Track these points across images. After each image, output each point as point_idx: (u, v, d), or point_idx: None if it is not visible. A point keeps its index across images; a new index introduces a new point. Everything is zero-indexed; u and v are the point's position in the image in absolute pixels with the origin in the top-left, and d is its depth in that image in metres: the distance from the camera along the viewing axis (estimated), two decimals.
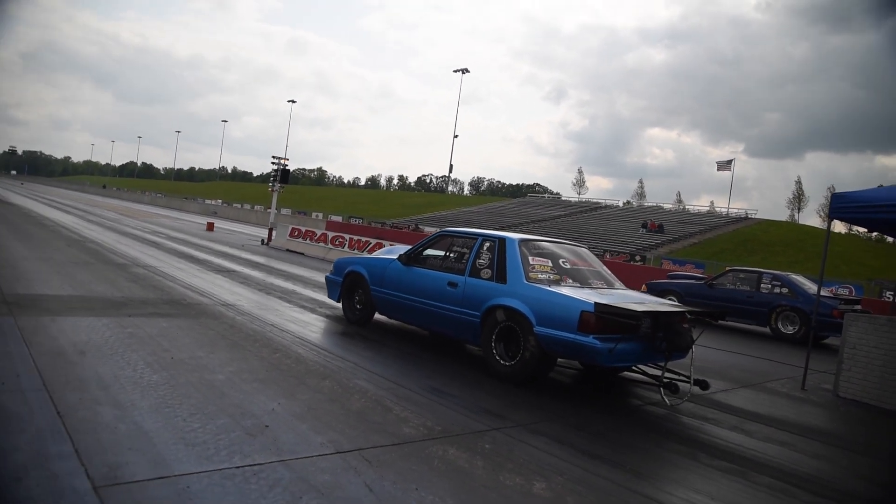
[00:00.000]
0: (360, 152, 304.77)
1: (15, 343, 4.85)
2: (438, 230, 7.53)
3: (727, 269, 14.28)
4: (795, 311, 12.05)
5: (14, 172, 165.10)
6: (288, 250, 19.96)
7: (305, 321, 7.58)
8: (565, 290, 5.64)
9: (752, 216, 60.77)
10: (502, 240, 6.24)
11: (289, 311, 8.15)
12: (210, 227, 27.37)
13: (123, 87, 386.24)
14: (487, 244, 6.31)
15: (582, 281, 6.13)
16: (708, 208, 75.87)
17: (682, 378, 5.70)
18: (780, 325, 12.23)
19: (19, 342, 4.89)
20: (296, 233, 21.20)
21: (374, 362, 5.84)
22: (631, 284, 12.66)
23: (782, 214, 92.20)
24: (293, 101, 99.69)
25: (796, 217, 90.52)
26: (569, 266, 6.28)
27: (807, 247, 43.96)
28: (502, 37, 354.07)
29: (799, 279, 12.90)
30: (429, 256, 6.99)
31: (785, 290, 12.42)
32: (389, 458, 3.48)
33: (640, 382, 6.14)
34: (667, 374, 5.63)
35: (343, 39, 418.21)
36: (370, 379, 5.16)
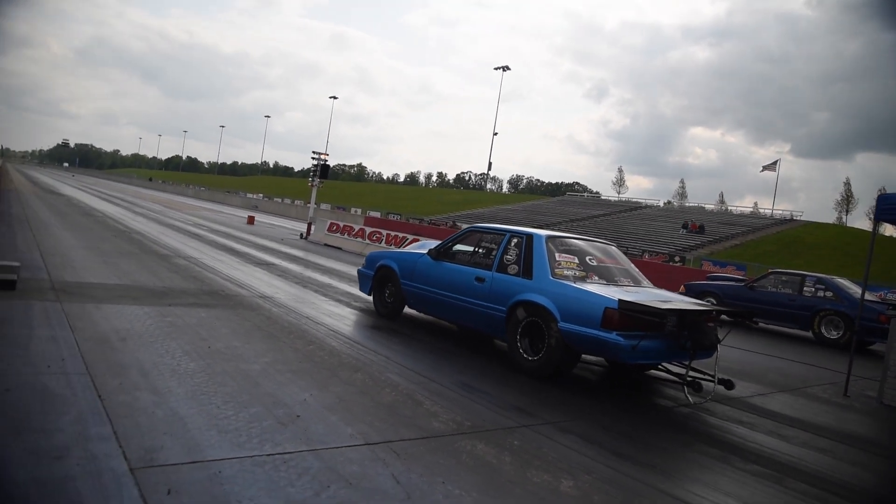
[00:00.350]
0: (400, 148, 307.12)
1: (61, 328, 5.03)
2: (468, 226, 7.59)
3: (769, 271, 13.93)
4: (840, 316, 11.73)
5: (66, 165, 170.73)
6: (326, 245, 20.18)
7: (340, 314, 7.67)
8: (590, 287, 5.66)
9: (798, 218, 59.23)
10: (529, 236, 6.30)
11: (324, 304, 8.25)
12: (251, 220, 27.82)
13: (170, 82, 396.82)
14: (515, 240, 6.38)
15: (609, 278, 6.14)
16: (751, 209, 74.15)
17: (706, 377, 5.67)
18: (823, 330, 11.91)
19: (65, 327, 5.07)
20: (334, 228, 21.41)
21: (406, 356, 5.89)
22: (669, 286, 12.52)
23: (829, 217, 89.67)
24: (335, 98, 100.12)
25: (844, 219, 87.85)
26: (595, 263, 6.29)
27: (854, 250, 42.66)
28: (543, 33, 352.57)
29: (844, 283, 12.53)
30: (458, 252, 7.08)
31: (829, 294, 12.08)
32: (418, 452, 3.51)
33: (665, 381, 6.11)
34: (691, 373, 5.61)
35: (385, 35, 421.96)
36: (401, 373, 5.20)
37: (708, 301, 13.42)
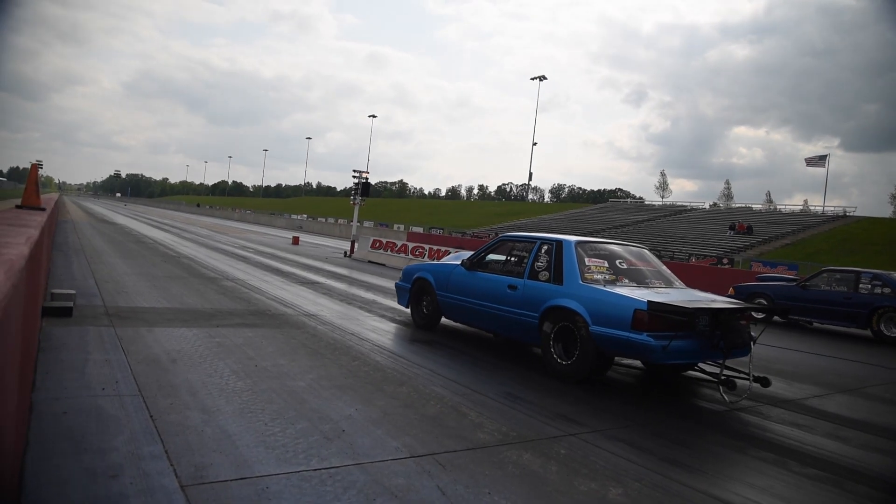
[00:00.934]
0: (440, 163, 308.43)
1: (114, 351, 5.19)
2: (499, 235, 7.71)
3: (822, 269, 13.50)
4: None
5: (119, 195, 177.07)
6: (370, 261, 20.37)
7: (384, 330, 7.72)
8: (620, 290, 5.73)
9: (851, 214, 57.27)
10: (559, 242, 6.40)
11: (369, 320, 8.32)
12: (295, 241, 28.28)
13: (214, 109, 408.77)
14: (545, 247, 6.48)
15: (639, 281, 6.20)
16: (801, 207, 71.94)
17: (741, 375, 5.65)
18: (882, 328, 11.46)
19: (118, 350, 5.23)
20: (377, 244, 21.61)
21: (450, 369, 5.89)
22: (718, 289, 12.23)
23: (885, 211, 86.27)
24: (374, 116, 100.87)
25: None
26: (626, 266, 6.37)
27: None
28: (579, 41, 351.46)
29: None
30: (490, 261, 7.24)
31: (887, 290, 11.64)
32: (463, 463, 3.50)
33: (701, 381, 6.14)
34: (725, 372, 5.60)
35: (420, 52, 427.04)
36: (446, 385, 5.21)
37: (758, 303, 13.09)
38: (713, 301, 5.97)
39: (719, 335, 5.38)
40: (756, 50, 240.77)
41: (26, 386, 3.13)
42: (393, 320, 8.47)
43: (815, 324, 13.07)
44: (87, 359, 4.88)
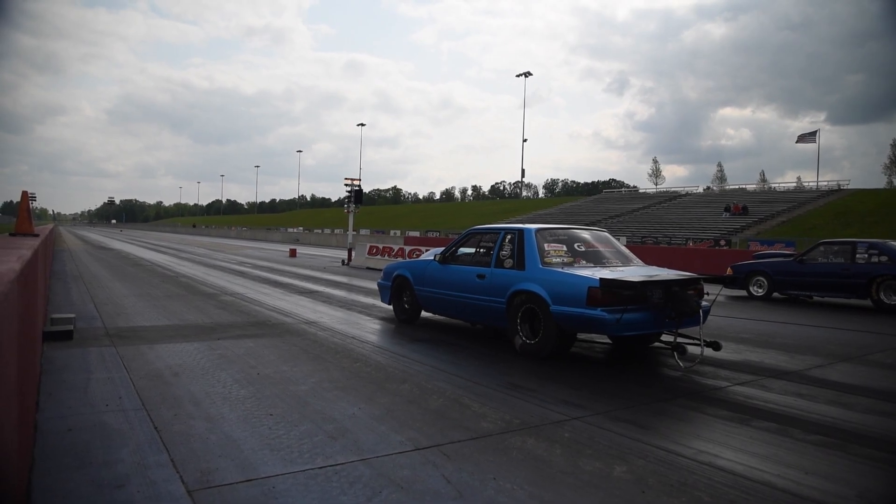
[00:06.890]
0: (431, 167, 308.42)
1: (117, 370, 5.21)
2: (468, 229, 7.98)
3: (818, 242, 13.49)
4: None
5: (114, 221, 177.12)
6: (368, 268, 20.37)
7: (385, 331, 7.75)
8: (577, 271, 6.10)
9: (845, 187, 57.30)
10: (521, 231, 6.78)
11: (369, 323, 8.35)
12: (293, 253, 28.27)
13: (198, 129, 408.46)
14: (509, 236, 6.86)
15: (596, 261, 6.59)
16: (795, 184, 72.02)
17: (693, 342, 6.03)
18: (882, 296, 11.48)
19: (120, 369, 5.25)
20: (374, 250, 21.62)
21: (452, 364, 5.91)
22: (715, 270, 12.24)
23: (879, 182, 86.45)
24: (363, 125, 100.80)
25: (895, 183, 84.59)
26: (584, 249, 6.75)
27: None
28: (556, 33, 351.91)
29: None
30: (461, 254, 7.63)
31: (884, 259, 11.65)
32: (467, 452, 3.52)
33: (658, 348, 6.68)
34: (678, 339, 6.03)
35: (398, 56, 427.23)
36: (448, 380, 5.23)
37: (757, 280, 13.11)
38: (663, 274, 6.25)
39: (670, 306, 5.74)
40: (732, 28, 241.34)
41: (30, 404, 3.15)
42: (393, 321, 8.50)
43: (814, 297, 13.09)
44: (90, 378, 4.90)
